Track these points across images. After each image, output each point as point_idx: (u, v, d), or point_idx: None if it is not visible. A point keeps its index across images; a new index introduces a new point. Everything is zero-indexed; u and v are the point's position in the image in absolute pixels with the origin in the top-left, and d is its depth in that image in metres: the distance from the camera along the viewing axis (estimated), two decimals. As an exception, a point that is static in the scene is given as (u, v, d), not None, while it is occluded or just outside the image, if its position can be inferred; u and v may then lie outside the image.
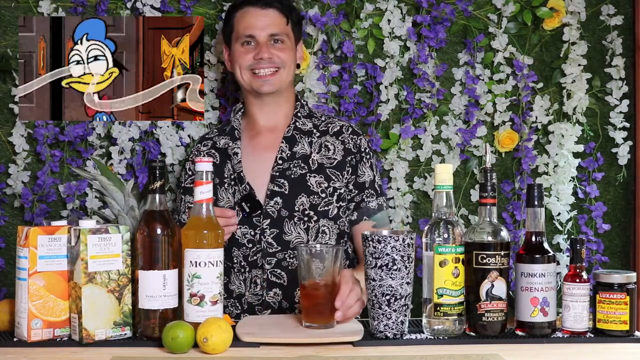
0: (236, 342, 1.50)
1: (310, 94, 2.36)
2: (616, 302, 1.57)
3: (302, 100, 2.12)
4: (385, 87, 2.38)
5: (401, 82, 2.40)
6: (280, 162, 2.01)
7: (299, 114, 2.08)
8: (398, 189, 2.39)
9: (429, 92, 2.39)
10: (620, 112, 2.44)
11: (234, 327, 1.56)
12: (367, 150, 2.08)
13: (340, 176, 2.02)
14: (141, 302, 1.53)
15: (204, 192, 1.55)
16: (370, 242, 1.55)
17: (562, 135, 2.41)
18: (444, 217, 1.59)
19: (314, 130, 2.06)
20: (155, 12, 2.32)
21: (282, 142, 2.03)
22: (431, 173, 2.38)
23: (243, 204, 1.98)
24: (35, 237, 1.51)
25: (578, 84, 2.41)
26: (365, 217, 2.03)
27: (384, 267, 1.54)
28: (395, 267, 1.54)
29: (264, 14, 2.04)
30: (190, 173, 2.10)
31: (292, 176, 2.00)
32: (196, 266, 1.53)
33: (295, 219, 1.97)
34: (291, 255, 1.96)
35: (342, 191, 2.02)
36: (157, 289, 1.53)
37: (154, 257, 1.53)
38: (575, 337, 1.58)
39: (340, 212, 2.02)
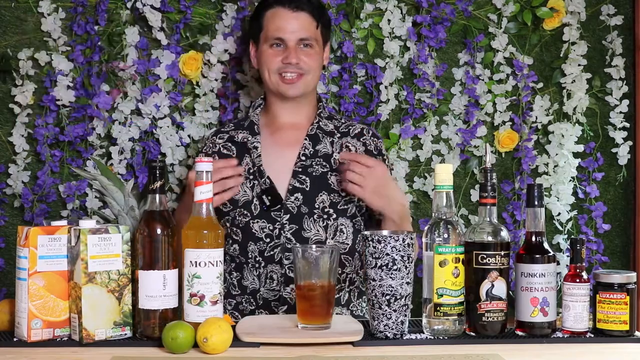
0: (236, 342, 1.50)
1: (310, 94, 2.36)
2: (616, 302, 1.57)
3: (323, 102, 2.13)
4: (385, 87, 2.38)
5: (401, 82, 2.40)
6: (303, 158, 2.01)
7: (321, 114, 2.08)
8: (398, 189, 2.39)
9: (429, 92, 2.39)
10: (620, 112, 2.44)
11: (234, 327, 1.56)
12: (385, 154, 2.09)
13: None
14: (141, 302, 1.53)
15: (204, 192, 1.55)
16: (370, 242, 1.55)
17: (562, 135, 2.41)
18: (444, 217, 1.59)
19: (335, 132, 2.06)
20: (155, 12, 2.32)
21: (306, 139, 2.03)
22: (431, 173, 2.38)
23: (264, 197, 1.97)
24: (35, 237, 1.51)
25: (578, 84, 2.41)
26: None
27: (384, 267, 1.54)
28: (395, 267, 1.54)
29: (295, 17, 2.02)
30: None
31: (314, 173, 2.00)
32: (196, 266, 1.53)
33: (315, 216, 1.97)
34: None
35: None
36: (157, 289, 1.53)
37: (154, 257, 1.53)
38: (575, 337, 1.58)
39: (357, 211, 2.02)
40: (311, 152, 2.02)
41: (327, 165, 2.01)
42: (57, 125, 2.33)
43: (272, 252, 1.97)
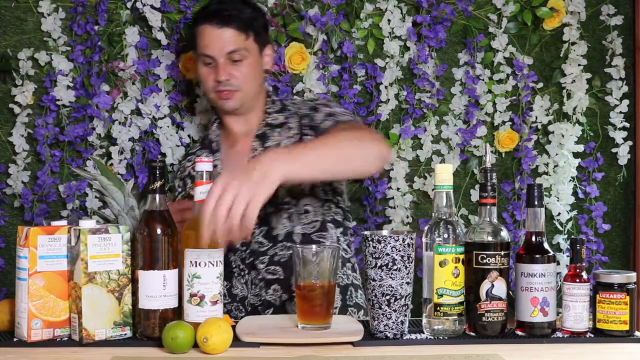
0: (236, 342, 1.49)
1: (310, 94, 2.36)
2: (616, 302, 1.57)
3: (272, 97, 2.09)
4: (385, 87, 2.38)
5: (401, 82, 2.40)
6: None
7: (269, 110, 2.05)
8: (398, 189, 2.39)
9: (429, 92, 2.39)
10: (620, 112, 2.44)
11: (234, 327, 1.56)
12: (320, 102, 2.01)
13: (300, 140, 1.95)
14: (141, 302, 1.53)
15: (204, 192, 1.55)
16: (370, 242, 1.55)
17: (562, 135, 2.41)
18: (444, 217, 1.58)
19: (286, 122, 2.02)
20: (155, 12, 2.32)
21: (255, 139, 2.01)
22: (431, 173, 2.38)
23: None
24: (35, 237, 1.51)
25: (578, 84, 2.41)
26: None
27: (384, 267, 1.53)
28: (395, 267, 1.53)
29: (219, 34, 1.98)
30: (180, 190, 2.08)
31: None
32: (196, 266, 1.53)
33: (280, 212, 1.96)
34: (282, 248, 1.95)
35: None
36: (157, 289, 1.53)
37: (154, 257, 1.53)
38: (575, 337, 1.58)
39: (319, 191, 1.96)
40: (261, 152, 1.98)
41: None
42: (57, 125, 2.33)
43: (251, 259, 1.97)
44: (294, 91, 2.37)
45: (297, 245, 1.77)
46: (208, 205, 1.43)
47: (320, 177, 1.70)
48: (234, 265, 1.98)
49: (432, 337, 1.56)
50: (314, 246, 1.63)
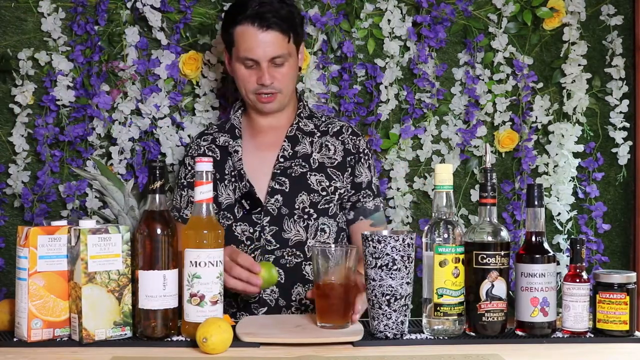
0: (236, 342, 1.50)
1: (310, 94, 2.36)
2: (616, 302, 1.57)
3: (304, 101, 2.12)
4: (385, 87, 2.38)
5: (401, 82, 2.40)
6: (282, 160, 2.02)
7: (301, 114, 2.09)
8: (398, 189, 2.39)
9: (429, 92, 2.39)
10: (620, 112, 2.44)
11: (234, 327, 1.56)
12: (365, 151, 2.08)
13: (341, 176, 2.03)
14: (141, 302, 1.53)
15: (204, 192, 1.55)
16: (370, 242, 1.55)
17: (562, 135, 2.41)
18: (444, 217, 1.59)
19: (315, 131, 2.07)
20: (155, 12, 2.32)
21: (285, 140, 2.04)
22: (431, 173, 2.38)
23: (243, 201, 1.99)
24: (36, 237, 1.51)
25: (578, 84, 2.41)
26: (362, 217, 2.04)
27: (384, 267, 1.54)
28: (395, 267, 1.54)
29: (264, 36, 1.96)
30: (190, 168, 2.09)
31: (293, 174, 2.01)
32: (196, 266, 1.53)
33: (295, 217, 1.98)
34: (289, 253, 1.96)
35: (342, 191, 2.02)
36: (157, 289, 1.53)
37: (154, 257, 1.53)
38: (575, 337, 1.58)
39: (338, 210, 2.02)
40: (290, 154, 2.02)
41: (307, 166, 2.02)
42: (57, 125, 2.33)
43: (252, 255, 1.97)
44: (296, 93, 2.37)
45: (317, 245, 1.77)
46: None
47: None
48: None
49: (432, 337, 1.56)
50: (333, 246, 1.64)
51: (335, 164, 2.03)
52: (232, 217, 1.99)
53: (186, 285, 1.53)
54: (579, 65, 2.41)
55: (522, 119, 2.42)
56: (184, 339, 1.54)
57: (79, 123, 2.34)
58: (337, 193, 2.01)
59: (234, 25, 2.00)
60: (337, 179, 2.02)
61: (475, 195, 2.42)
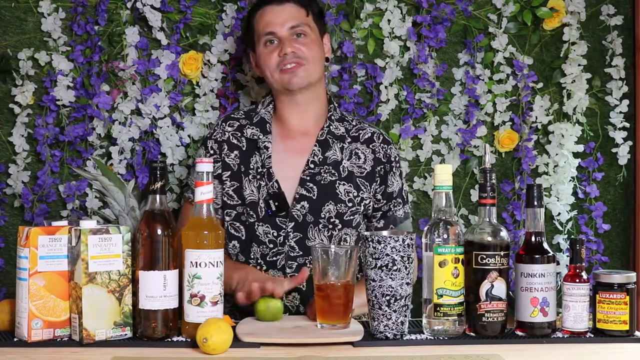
0: (236, 342, 1.50)
1: (310, 94, 2.36)
2: (616, 302, 1.57)
3: (334, 103, 2.10)
4: (385, 87, 2.38)
5: (401, 82, 2.40)
6: (311, 166, 1.98)
7: (332, 117, 2.05)
8: (398, 189, 2.39)
9: (429, 92, 2.39)
10: (620, 112, 2.44)
11: (234, 327, 1.56)
12: (396, 159, 2.06)
13: (369, 187, 2.01)
14: (141, 303, 1.53)
15: (204, 192, 1.55)
16: (370, 243, 1.55)
17: (562, 135, 2.41)
18: (444, 218, 1.59)
19: (346, 135, 2.04)
20: (155, 12, 2.32)
21: (316, 145, 2.00)
22: (431, 173, 2.38)
23: (270, 201, 1.96)
24: (36, 237, 1.51)
25: (578, 84, 2.41)
26: (392, 226, 2.02)
27: (384, 268, 1.54)
28: (395, 268, 1.54)
29: (281, 9, 2.01)
30: (211, 152, 2.02)
31: (322, 182, 1.97)
32: (197, 267, 1.53)
33: (320, 226, 1.95)
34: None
35: (367, 202, 2.00)
36: (157, 290, 1.53)
37: (155, 258, 1.53)
38: (575, 337, 1.58)
39: (361, 220, 2.01)
40: (320, 160, 1.99)
41: (336, 174, 1.99)
42: (57, 125, 2.33)
43: (274, 258, 1.95)
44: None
45: (317, 245, 1.77)
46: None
47: None
48: (252, 257, 1.96)
49: (432, 338, 1.56)
50: (333, 246, 1.64)
51: (364, 173, 2.01)
52: (255, 216, 1.96)
53: (186, 285, 1.54)
54: (579, 65, 2.41)
55: (522, 119, 2.42)
56: (184, 339, 1.54)
57: (79, 123, 2.34)
58: (362, 204, 1.99)
59: (253, 13, 2.06)
60: (364, 189, 2.00)
61: (475, 195, 2.42)
